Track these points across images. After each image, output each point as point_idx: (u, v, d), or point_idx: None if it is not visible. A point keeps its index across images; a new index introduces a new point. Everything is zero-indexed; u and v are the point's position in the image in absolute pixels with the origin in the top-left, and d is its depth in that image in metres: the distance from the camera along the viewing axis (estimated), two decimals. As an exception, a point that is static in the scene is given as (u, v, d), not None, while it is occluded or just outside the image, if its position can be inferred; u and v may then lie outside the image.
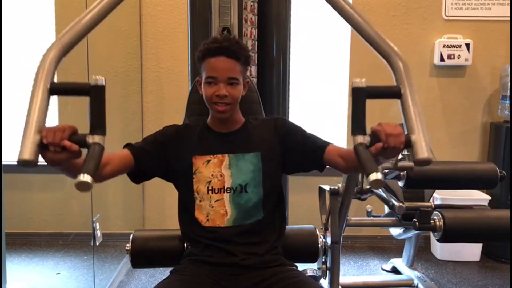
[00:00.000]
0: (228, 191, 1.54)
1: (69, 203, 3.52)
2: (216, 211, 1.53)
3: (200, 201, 1.54)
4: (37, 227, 3.58)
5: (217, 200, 1.54)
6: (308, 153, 1.56)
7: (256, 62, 2.22)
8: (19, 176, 3.43)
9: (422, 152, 1.16)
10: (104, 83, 1.15)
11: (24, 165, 1.07)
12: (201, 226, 1.54)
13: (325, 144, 1.54)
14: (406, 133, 1.22)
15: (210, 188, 1.54)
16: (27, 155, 1.07)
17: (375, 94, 1.27)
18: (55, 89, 1.17)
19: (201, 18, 2.20)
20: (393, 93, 1.27)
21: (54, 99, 1.19)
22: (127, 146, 1.55)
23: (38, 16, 3.49)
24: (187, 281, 1.45)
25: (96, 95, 1.15)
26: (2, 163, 2.48)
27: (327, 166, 1.57)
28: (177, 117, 1.86)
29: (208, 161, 1.55)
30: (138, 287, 2.93)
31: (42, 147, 1.10)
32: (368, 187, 2.52)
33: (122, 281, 3.01)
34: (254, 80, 2.19)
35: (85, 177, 1.03)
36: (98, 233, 2.76)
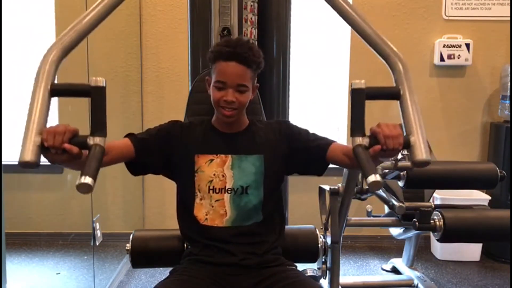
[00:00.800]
0: (229, 192, 1.53)
1: (69, 203, 3.52)
2: (216, 210, 1.53)
3: (201, 199, 1.54)
4: (37, 227, 3.58)
5: (217, 200, 1.53)
6: (312, 153, 1.56)
7: (256, 62, 2.22)
8: (19, 176, 3.43)
9: (421, 153, 1.17)
10: (104, 84, 1.15)
11: (25, 167, 1.08)
12: (199, 225, 1.54)
13: (329, 142, 1.55)
14: (405, 134, 1.22)
15: (211, 187, 1.53)
16: (28, 157, 1.08)
17: (375, 95, 1.28)
18: (56, 90, 1.18)
19: (201, 18, 2.19)
20: (393, 94, 1.28)
21: (54, 99, 1.19)
22: (129, 135, 1.53)
23: (38, 16, 3.49)
24: (187, 281, 1.45)
25: (96, 96, 1.15)
26: (2, 163, 2.48)
27: (329, 166, 1.57)
28: (177, 117, 1.85)
29: (211, 160, 1.55)
30: (138, 287, 2.93)
31: (43, 149, 1.11)
32: (367, 187, 2.52)
33: (122, 281, 3.01)
34: (254, 80, 2.19)
35: (86, 179, 1.05)
36: (98, 233, 2.76)
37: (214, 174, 1.54)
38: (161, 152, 1.55)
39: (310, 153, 1.57)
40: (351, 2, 3.64)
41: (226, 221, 1.53)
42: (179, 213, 1.63)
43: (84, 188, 1.05)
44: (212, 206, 1.53)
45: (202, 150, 1.56)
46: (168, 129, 1.59)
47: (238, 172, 1.54)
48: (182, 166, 1.56)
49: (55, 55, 1.23)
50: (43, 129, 1.11)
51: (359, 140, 1.20)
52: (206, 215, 1.54)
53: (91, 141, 1.14)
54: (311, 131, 1.63)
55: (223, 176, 1.54)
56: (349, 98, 3.50)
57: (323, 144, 1.54)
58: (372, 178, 1.11)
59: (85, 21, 1.28)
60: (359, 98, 1.22)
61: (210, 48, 1.79)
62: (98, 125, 1.15)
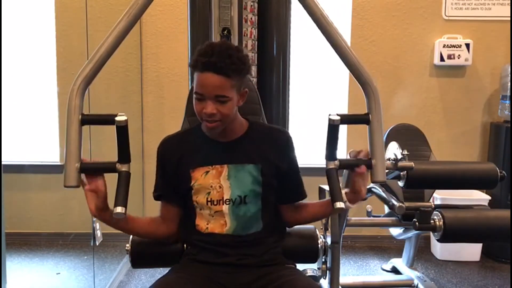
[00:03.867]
0: (227, 203, 1.50)
1: (69, 203, 3.52)
2: (216, 220, 1.52)
3: (200, 209, 1.53)
4: (37, 227, 3.58)
5: (216, 212, 1.52)
6: (286, 187, 1.59)
7: (256, 62, 2.22)
8: (19, 176, 3.43)
9: (379, 175, 1.45)
10: (125, 123, 1.39)
11: (69, 188, 1.40)
12: (200, 233, 1.54)
13: (300, 198, 1.61)
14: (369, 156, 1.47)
15: (209, 199, 1.51)
16: (71, 182, 1.39)
17: (348, 120, 1.51)
18: (85, 120, 1.42)
19: (201, 18, 2.19)
20: (363, 120, 1.48)
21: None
22: (158, 198, 1.59)
23: (38, 15, 3.49)
24: (186, 278, 1.46)
25: (120, 132, 1.40)
26: (2, 163, 2.48)
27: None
28: (177, 117, 1.86)
29: (207, 172, 1.51)
30: (138, 287, 2.93)
31: (82, 170, 1.41)
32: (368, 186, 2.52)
33: (122, 281, 3.01)
34: (254, 80, 2.19)
35: (121, 209, 1.36)
36: (98, 233, 2.76)
37: (211, 186, 1.50)
38: (172, 182, 1.56)
39: (285, 186, 1.58)
40: (350, 7, 3.63)
41: (226, 230, 1.52)
42: (180, 220, 1.62)
43: (119, 215, 1.35)
44: (212, 216, 1.52)
45: (196, 164, 1.52)
46: (161, 159, 1.57)
47: (235, 182, 1.50)
48: (179, 181, 1.54)
49: (80, 87, 1.43)
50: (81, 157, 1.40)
51: (331, 164, 1.45)
52: (207, 224, 1.53)
53: (119, 167, 1.43)
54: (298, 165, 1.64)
55: (220, 187, 1.50)
56: (349, 103, 3.54)
57: (297, 195, 1.61)
58: (337, 205, 1.38)
59: (101, 51, 1.46)
60: (333, 130, 1.45)
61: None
62: (124, 154, 1.43)
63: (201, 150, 1.54)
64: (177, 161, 1.53)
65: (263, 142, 1.56)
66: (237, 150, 1.53)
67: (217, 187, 1.50)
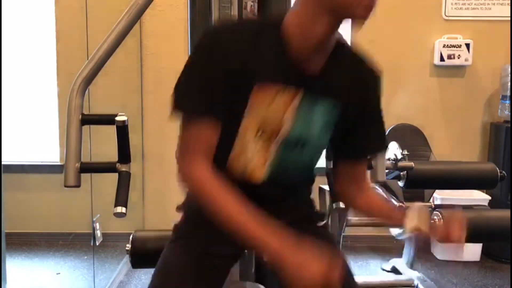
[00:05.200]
0: (281, 142, 1.13)
1: (69, 203, 3.52)
2: (255, 162, 1.14)
3: (241, 148, 1.13)
4: (37, 227, 3.58)
5: (259, 150, 1.13)
6: (359, 136, 1.22)
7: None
8: (19, 176, 3.43)
9: (380, 175, 1.58)
10: (125, 123, 1.44)
11: (69, 188, 1.43)
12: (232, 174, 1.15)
13: (381, 148, 1.31)
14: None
15: (260, 132, 1.11)
16: (72, 182, 1.43)
17: None
18: (85, 120, 1.46)
19: (201, 18, 2.19)
20: None
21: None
22: (203, 114, 1.15)
23: (39, 15, 3.49)
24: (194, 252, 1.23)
25: (120, 132, 1.45)
26: (2, 163, 2.48)
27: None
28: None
29: (276, 93, 1.08)
30: (138, 287, 2.93)
31: (82, 170, 1.45)
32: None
33: (122, 281, 3.01)
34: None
35: (121, 209, 1.42)
36: (98, 233, 2.76)
37: (272, 114, 1.09)
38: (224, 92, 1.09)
39: (361, 134, 1.22)
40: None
41: (263, 176, 1.15)
42: None
43: (120, 215, 1.41)
44: (253, 156, 1.14)
45: (265, 77, 1.07)
46: (216, 55, 1.08)
47: (303, 117, 1.12)
48: (231, 97, 1.09)
49: (80, 88, 1.47)
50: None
51: (331, 164, 1.48)
52: (245, 169, 1.15)
53: (118, 167, 1.48)
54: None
55: (281, 121, 1.10)
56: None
57: (375, 144, 1.27)
58: (335, 205, 1.54)
59: (101, 51, 1.51)
60: None
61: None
62: (124, 154, 1.48)
63: (272, 61, 1.08)
64: (240, 64, 1.06)
65: (351, 74, 1.18)
66: (317, 78, 1.11)
67: (278, 119, 1.10)
